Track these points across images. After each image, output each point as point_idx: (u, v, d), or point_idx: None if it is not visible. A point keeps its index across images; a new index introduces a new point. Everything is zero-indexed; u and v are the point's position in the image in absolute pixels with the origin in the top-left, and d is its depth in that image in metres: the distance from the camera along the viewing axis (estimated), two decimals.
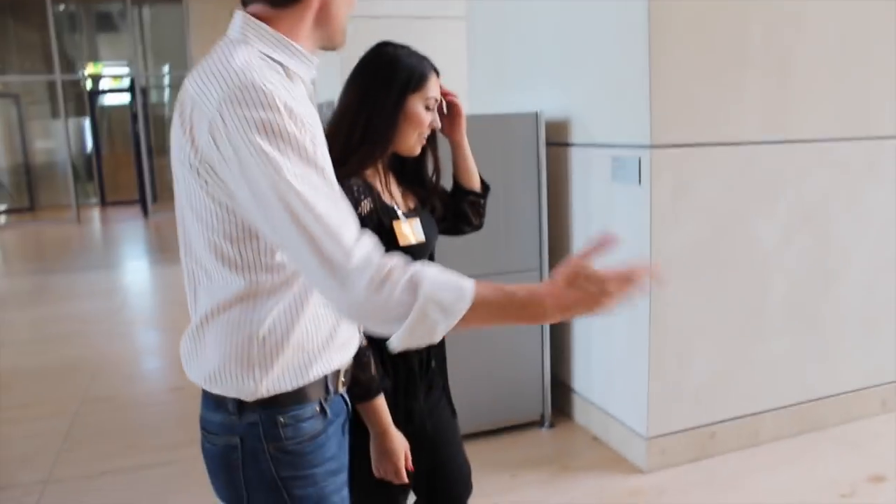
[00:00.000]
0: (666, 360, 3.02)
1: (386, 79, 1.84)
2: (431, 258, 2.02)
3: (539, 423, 3.58)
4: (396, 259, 1.09)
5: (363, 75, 1.86)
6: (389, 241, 1.79)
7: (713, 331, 3.08)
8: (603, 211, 3.23)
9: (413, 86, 1.84)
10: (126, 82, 15.88)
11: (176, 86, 15.31)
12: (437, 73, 1.91)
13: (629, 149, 2.97)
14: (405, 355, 1.83)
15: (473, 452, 2.13)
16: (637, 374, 3.06)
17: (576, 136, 3.39)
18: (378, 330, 1.10)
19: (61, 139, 13.90)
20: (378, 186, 1.85)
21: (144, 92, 15.34)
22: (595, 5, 3.15)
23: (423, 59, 1.89)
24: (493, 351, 3.49)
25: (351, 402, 1.65)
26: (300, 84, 1.27)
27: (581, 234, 3.43)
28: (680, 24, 2.83)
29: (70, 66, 15.72)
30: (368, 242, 1.10)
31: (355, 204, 1.76)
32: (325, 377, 1.33)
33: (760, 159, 3.03)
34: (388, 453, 1.75)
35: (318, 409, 1.31)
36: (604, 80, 3.15)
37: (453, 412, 2.06)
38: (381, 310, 1.06)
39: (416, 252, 1.83)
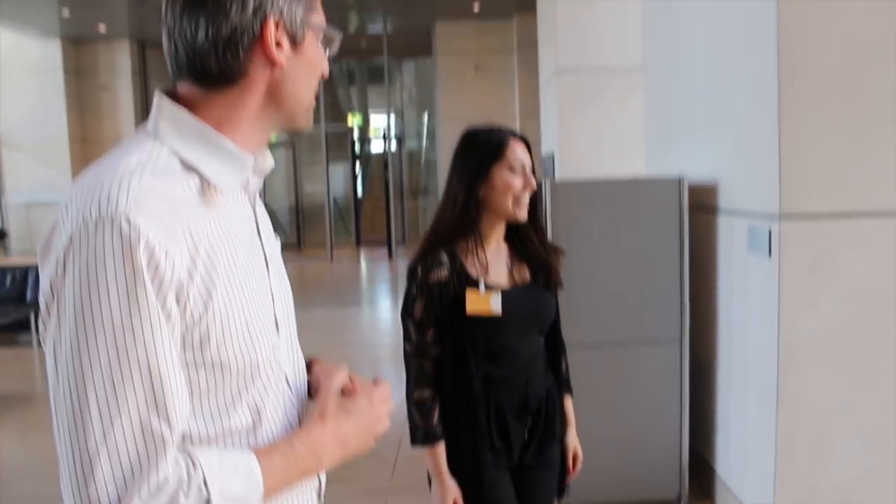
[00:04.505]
0: (798, 450, 2.68)
1: (467, 156, 2.01)
2: (552, 331, 2.10)
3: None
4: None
5: (453, 161, 2.05)
6: (462, 308, 1.93)
7: (858, 425, 2.68)
8: (740, 283, 2.97)
9: (492, 155, 1.98)
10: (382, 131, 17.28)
11: (431, 135, 16.32)
12: (524, 140, 1.98)
13: (761, 218, 2.72)
14: (472, 411, 1.95)
15: None
16: (765, 461, 2.75)
17: (722, 200, 3.16)
18: None
19: (324, 183, 15.36)
20: (467, 256, 1.96)
21: (400, 140, 16.52)
22: (736, 56, 2.94)
23: (502, 130, 2.00)
24: (628, 419, 3.32)
25: (414, 444, 1.97)
26: (217, 196, 0.99)
27: (725, 306, 3.17)
28: (817, 77, 2.55)
29: (340, 115, 17.44)
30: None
31: (427, 272, 1.95)
32: None
33: None
34: (438, 497, 1.96)
35: None
36: (743, 141, 2.92)
37: (560, 492, 2.13)
38: None
39: (504, 323, 1.95)
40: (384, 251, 14.95)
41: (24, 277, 7.85)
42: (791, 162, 2.57)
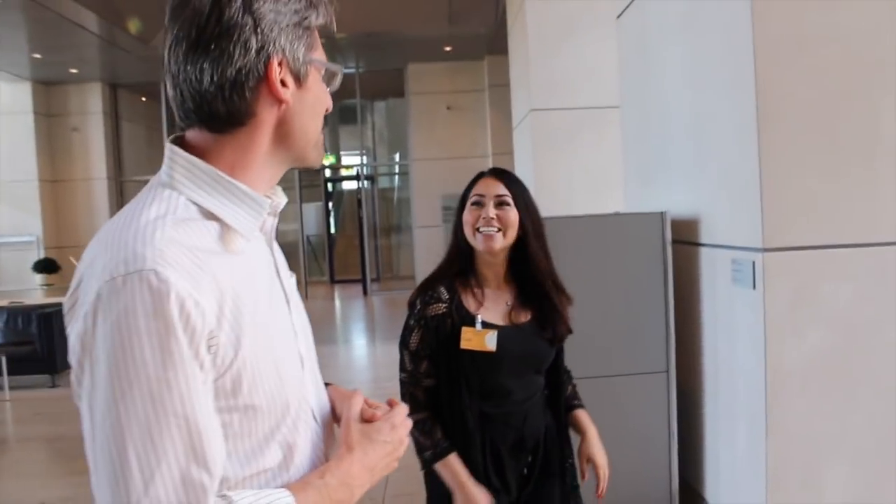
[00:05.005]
0: (788, 478, 2.74)
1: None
2: (553, 367, 2.12)
3: None
4: None
5: None
6: (458, 343, 1.98)
7: (847, 451, 2.75)
8: (725, 315, 3.05)
9: (463, 195, 2.02)
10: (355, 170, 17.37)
11: (403, 173, 16.44)
12: (497, 175, 2.04)
13: (745, 251, 2.81)
14: (467, 446, 1.98)
15: None
16: (756, 490, 2.80)
17: (704, 235, 3.26)
18: None
19: (298, 221, 15.39)
20: (466, 292, 2.02)
21: (372, 179, 16.62)
22: (714, 96, 3.05)
23: (485, 170, 2.07)
24: (617, 450, 3.34)
25: (426, 465, 1.97)
26: (237, 240, 1.00)
27: (710, 337, 3.24)
28: (796, 115, 2.65)
29: None
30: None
31: (425, 305, 2.01)
32: None
33: None
34: None
35: None
36: (724, 178, 3.02)
37: None
38: None
39: (497, 361, 1.98)
40: (358, 288, 14.94)
41: None
42: (772, 196, 2.66)
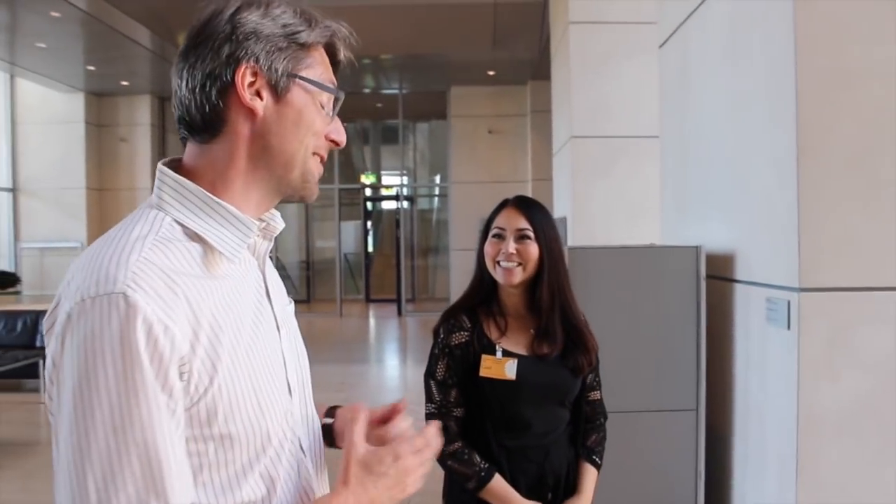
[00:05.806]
0: None
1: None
2: (578, 404, 2.11)
3: None
4: None
5: None
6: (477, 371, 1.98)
7: (882, 501, 2.64)
8: (758, 354, 2.97)
9: (486, 226, 2.00)
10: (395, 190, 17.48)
11: (442, 195, 16.48)
12: (519, 206, 2.01)
13: (781, 290, 2.73)
14: None
15: None
16: None
17: (739, 271, 3.18)
18: None
19: (336, 239, 15.52)
20: (488, 321, 2.02)
21: (411, 199, 16.69)
22: (755, 130, 2.99)
23: (509, 199, 2.04)
24: (642, 488, 3.28)
25: (475, 493, 1.92)
26: (222, 263, 0.98)
27: (742, 376, 3.16)
28: (837, 152, 2.59)
29: (353, 173, 17.70)
30: None
31: (448, 334, 2.01)
32: None
33: None
34: None
35: None
36: (761, 214, 2.95)
37: None
38: None
39: (517, 390, 1.95)
40: (393, 308, 14.95)
41: (35, 323, 7.89)
42: (810, 235, 2.59)
